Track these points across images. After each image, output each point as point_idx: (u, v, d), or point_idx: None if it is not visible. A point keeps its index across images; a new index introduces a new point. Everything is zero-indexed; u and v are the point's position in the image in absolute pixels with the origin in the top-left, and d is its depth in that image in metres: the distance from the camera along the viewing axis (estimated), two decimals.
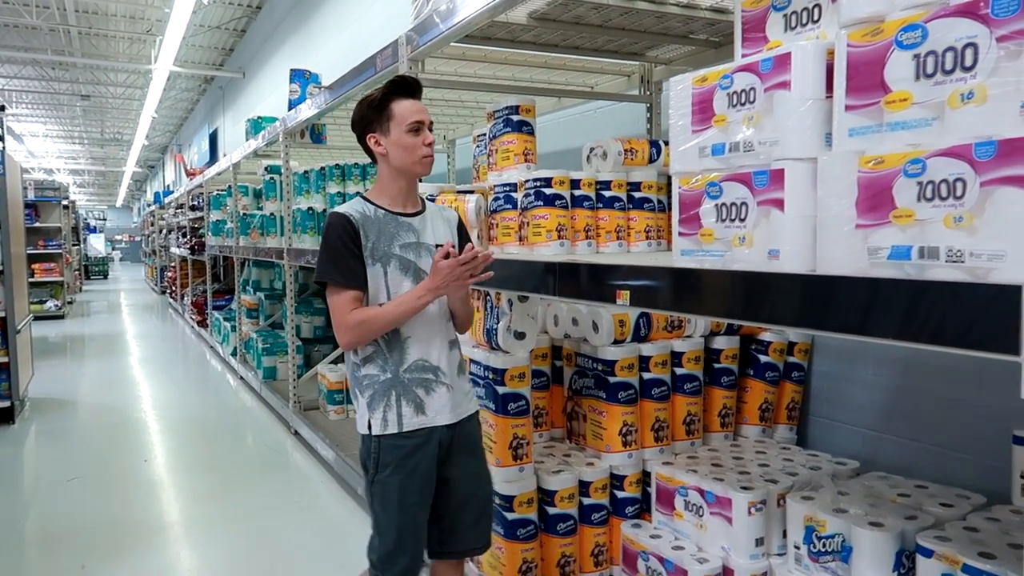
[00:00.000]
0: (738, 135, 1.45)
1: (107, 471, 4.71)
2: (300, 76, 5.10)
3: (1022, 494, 1.98)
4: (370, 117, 2.07)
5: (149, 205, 22.94)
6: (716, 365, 2.79)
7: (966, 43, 1.07)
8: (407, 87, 2.08)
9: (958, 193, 1.06)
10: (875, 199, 1.17)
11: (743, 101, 1.44)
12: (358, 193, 2.24)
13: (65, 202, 12.46)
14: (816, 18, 1.52)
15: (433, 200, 2.74)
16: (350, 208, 2.07)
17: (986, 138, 1.03)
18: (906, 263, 1.13)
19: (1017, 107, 1.02)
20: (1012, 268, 1.00)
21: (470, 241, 2.26)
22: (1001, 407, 2.17)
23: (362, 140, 2.12)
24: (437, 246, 2.10)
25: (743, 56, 1.61)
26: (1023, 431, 1.99)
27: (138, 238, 35.54)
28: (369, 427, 2.06)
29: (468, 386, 2.21)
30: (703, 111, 1.54)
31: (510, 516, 2.52)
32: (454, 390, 2.10)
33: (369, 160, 2.34)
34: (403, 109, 2.05)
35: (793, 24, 1.56)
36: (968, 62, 1.07)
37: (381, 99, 2.05)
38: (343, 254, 2.00)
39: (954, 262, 1.07)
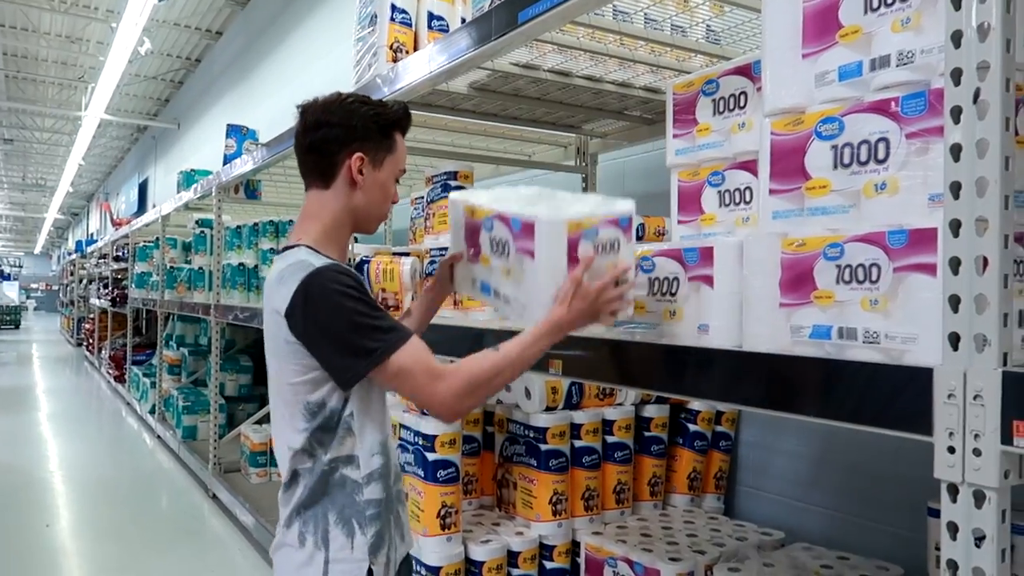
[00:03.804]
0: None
1: (4, 536, 4.39)
2: (237, 131, 5.07)
3: (937, 566, 2.03)
4: (368, 131, 1.50)
5: (70, 253, 22.08)
6: (646, 433, 2.81)
7: (879, 137, 1.14)
8: (408, 126, 1.61)
9: (873, 277, 1.11)
10: (797, 279, 1.22)
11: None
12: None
13: None
14: (743, 104, 1.60)
15: (368, 261, 2.73)
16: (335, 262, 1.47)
17: (898, 227, 1.09)
18: (826, 342, 1.17)
19: (926, 199, 1.09)
20: (924, 351, 1.05)
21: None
22: (917, 479, 2.23)
23: (333, 150, 1.49)
24: None
25: (674, 136, 1.68)
26: (938, 504, 2.05)
27: (56, 287, 34.09)
28: None
29: None
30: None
31: None
32: None
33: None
34: (403, 150, 1.59)
35: (721, 109, 1.64)
36: (881, 155, 1.14)
37: (394, 121, 1.54)
38: (376, 307, 1.42)
39: (871, 343, 1.11)
